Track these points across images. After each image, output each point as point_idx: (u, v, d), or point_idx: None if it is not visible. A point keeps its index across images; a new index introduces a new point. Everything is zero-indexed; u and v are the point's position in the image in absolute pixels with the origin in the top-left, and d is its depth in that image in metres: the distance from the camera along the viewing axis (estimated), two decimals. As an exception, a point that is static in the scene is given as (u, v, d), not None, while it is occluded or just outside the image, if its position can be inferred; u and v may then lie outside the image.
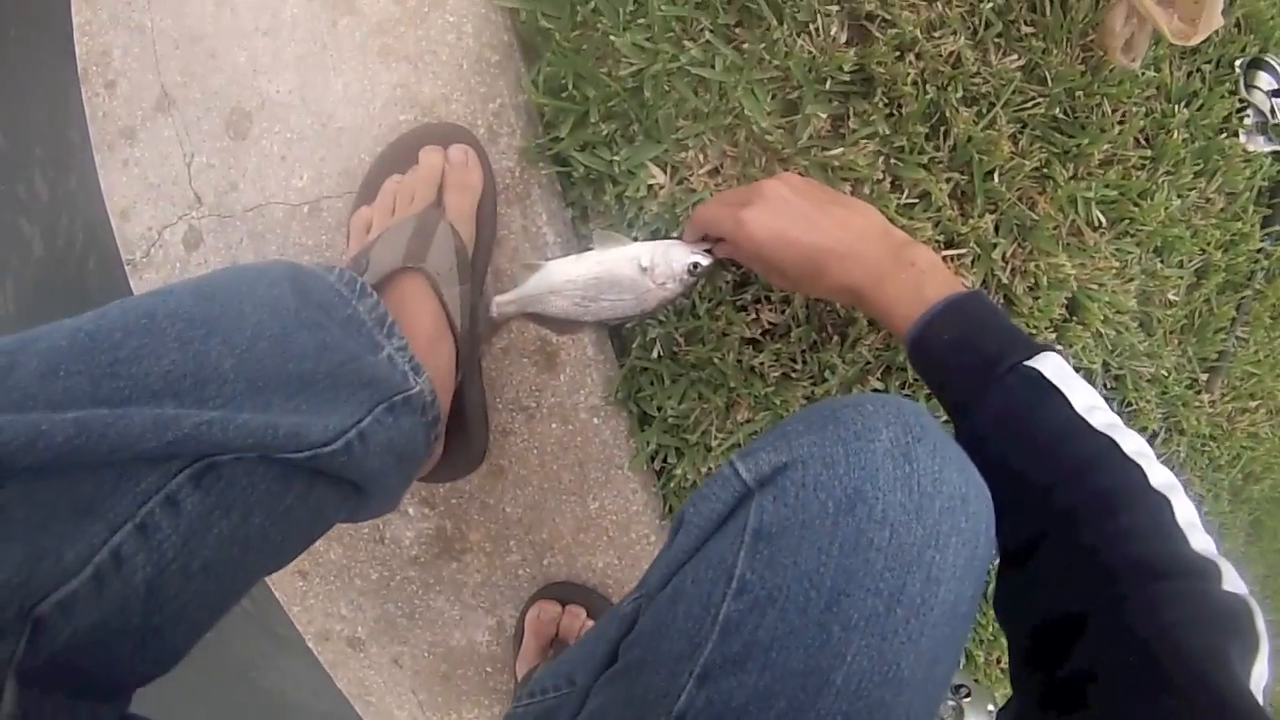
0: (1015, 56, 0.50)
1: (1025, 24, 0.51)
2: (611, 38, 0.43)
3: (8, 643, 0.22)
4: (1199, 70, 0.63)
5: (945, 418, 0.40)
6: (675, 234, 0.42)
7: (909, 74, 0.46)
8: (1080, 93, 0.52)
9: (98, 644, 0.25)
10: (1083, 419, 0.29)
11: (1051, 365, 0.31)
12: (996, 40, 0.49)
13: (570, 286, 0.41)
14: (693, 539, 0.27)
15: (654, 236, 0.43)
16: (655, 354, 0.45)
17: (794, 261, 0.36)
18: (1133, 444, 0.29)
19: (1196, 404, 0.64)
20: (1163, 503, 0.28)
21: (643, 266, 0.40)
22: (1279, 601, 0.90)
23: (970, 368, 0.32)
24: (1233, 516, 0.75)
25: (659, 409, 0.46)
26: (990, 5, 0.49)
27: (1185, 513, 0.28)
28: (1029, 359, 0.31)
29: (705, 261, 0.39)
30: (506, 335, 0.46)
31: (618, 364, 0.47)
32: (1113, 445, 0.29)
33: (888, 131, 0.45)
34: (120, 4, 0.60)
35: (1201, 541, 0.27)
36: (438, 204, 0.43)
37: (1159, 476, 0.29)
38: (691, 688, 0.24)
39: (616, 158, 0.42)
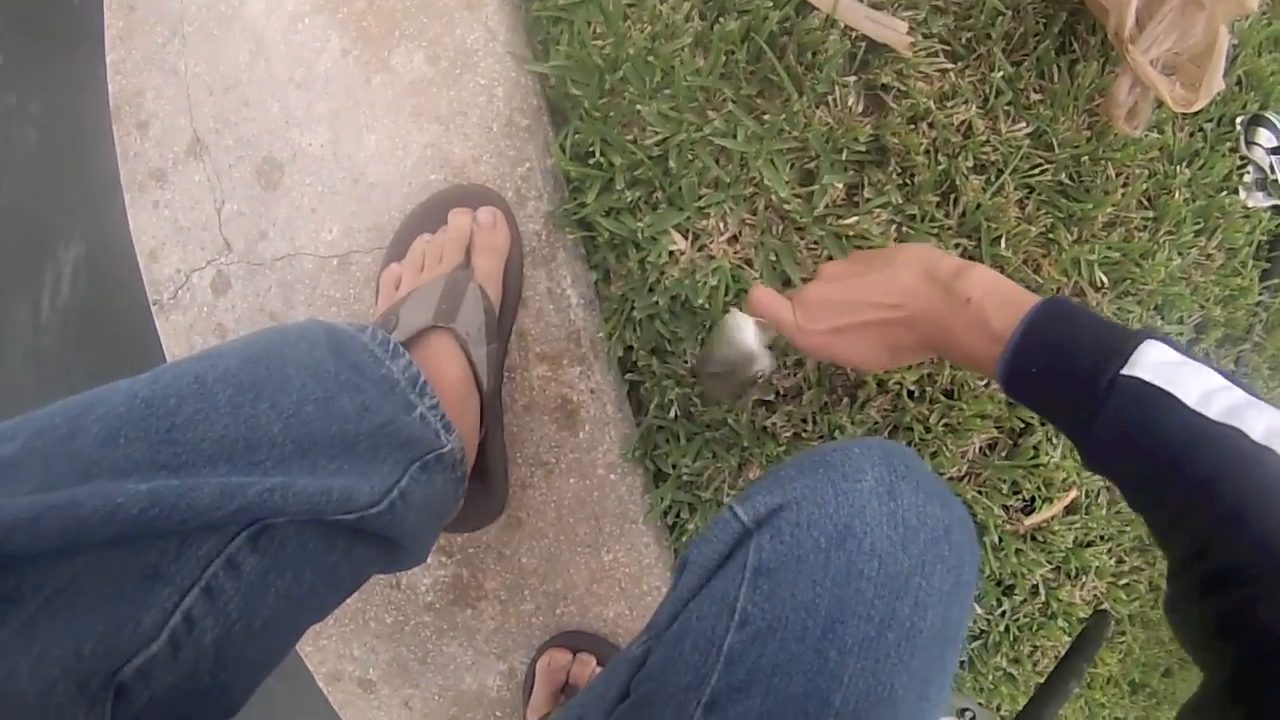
0: (1024, 124, 0.52)
1: (1034, 91, 0.53)
2: (638, 106, 0.44)
3: (96, 711, 0.23)
4: (1201, 129, 0.65)
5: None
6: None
7: (922, 144, 0.48)
8: (1085, 158, 0.54)
9: (172, 705, 0.26)
10: (1200, 415, 0.27)
11: (1151, 362, 0.28)
12: (1006, 108, 0.52)
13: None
14: (696, 578, 0.29)
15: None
16: (672, 414, 0.46)
17: (856, 350, 0.36)
18: (1261, 425, 0.26)
19: (1196, 455, 0.65)
20: None
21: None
22: None
23: (1068, 399, 0.30)
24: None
25: (674, 466, 0.47)
26: (1001, 74, 0.51)
27: None
28: (1124, 366, 0.28)
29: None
30: (528, 392, 0.48)
31: (635, 422, 0.48)
32: (1240, 436, 0.26)
33: (900, 200, 0.47)
34: (155, 46, 0.62)
35: None
36: (466, 265, 0.45)
37: None
38: (700, 716, 0.26)
39: (640, 224, 0.44)
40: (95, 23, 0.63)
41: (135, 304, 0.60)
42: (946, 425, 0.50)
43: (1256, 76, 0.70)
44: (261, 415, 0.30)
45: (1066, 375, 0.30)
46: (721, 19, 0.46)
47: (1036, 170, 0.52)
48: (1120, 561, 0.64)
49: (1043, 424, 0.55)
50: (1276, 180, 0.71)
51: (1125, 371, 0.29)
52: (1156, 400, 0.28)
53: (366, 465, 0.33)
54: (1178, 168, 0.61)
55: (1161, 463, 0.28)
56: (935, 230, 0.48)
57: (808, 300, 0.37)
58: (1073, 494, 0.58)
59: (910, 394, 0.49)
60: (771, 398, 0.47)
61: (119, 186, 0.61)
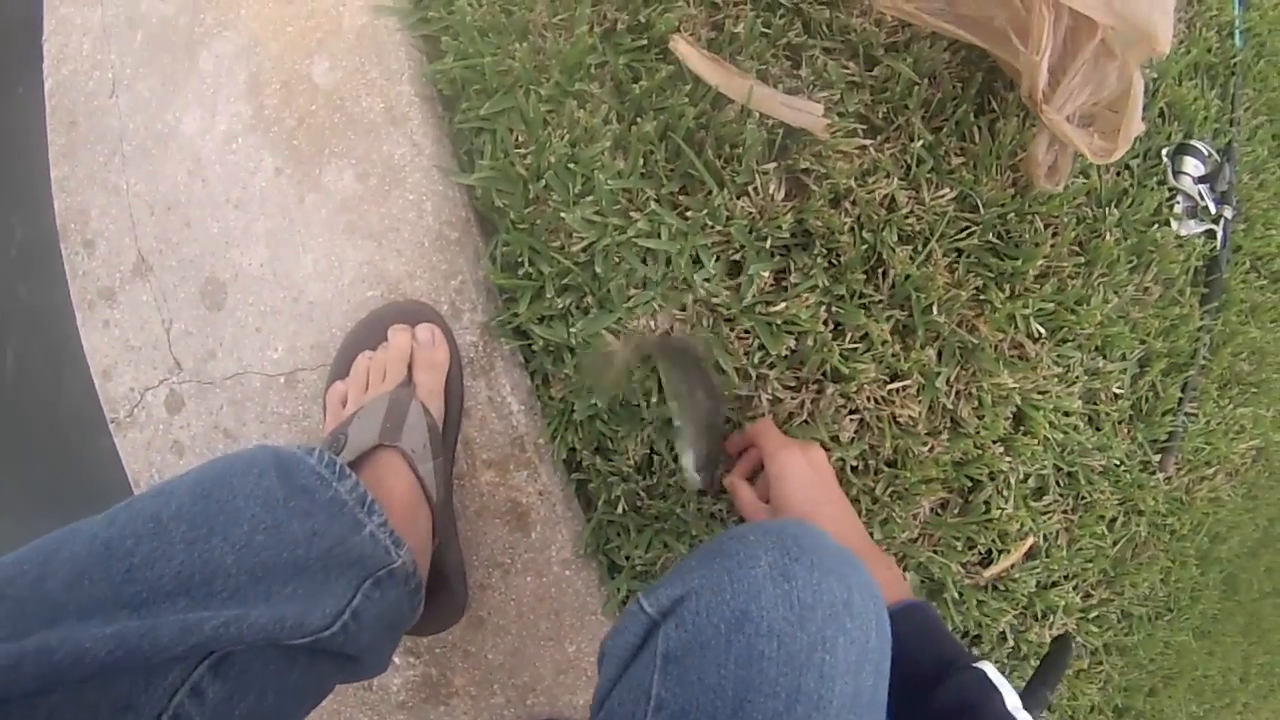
0: (947, 190, 0.53)
1: (955, 155, 0.55)
2: (562, 214, 0.46)
3: None
4: (1127, 167, 0.66)
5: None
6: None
7: (845, 223, 0.49)
8: (1012, 215, 0.56)
9: None
10: (1013, 716, 0.36)
11: (991, 670, 0.38)
12: (929, 176, 0.53)
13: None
14: (615, 668, 0.31)
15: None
16: (620, 509, 0.47)
17: (804, 509, 0.43)
18: None
19: (1152, 484, 0.66)
20: None
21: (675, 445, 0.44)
22: (1261, 647, 0.92)
23: (933, 661, 0.38)
24: (1204, 579, 0.77)
25: (627, 558, 0.48)
26: (921, 143, 0.53)
27: None
28: (975, 662, 0.38)
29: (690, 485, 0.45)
30: (478, 498, 0.48)
31: (585, 519, 0.49)
32: None
33: (828, 282, 0.48)
34: (97, 163, 0.63)
35: None
36: (408, 382, 0.46)
37: None
38: None
39: (573, 329, 0.45)
40: (39, 136, 0.64)
41: (94, 421, 0.61)
42: (894, 493, 0.51)
43: (1179, 106, 0.72)
44: (215, 548, 0.32)
45: (937, 644, 0.39)
46: (638, 120, 0.48)
47: (964, 234, 0.53)
48: (1087, 596, 0.65)
49: (991, 478, 0.56)
50: (1207, 206, 0.73)
51: (975, 665, 0.37)
52: (992, 691, 0.37)
53: (320, 587, 0.34)
54: (1106, 209, 0.63)
55: None
56: (865, 304, 0.50)
57: (782, 464, 0.43)
58: (1030, 541, 0.59)
59: (854, 468, 0.50)
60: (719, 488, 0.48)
61: (70, 303, 0.62)
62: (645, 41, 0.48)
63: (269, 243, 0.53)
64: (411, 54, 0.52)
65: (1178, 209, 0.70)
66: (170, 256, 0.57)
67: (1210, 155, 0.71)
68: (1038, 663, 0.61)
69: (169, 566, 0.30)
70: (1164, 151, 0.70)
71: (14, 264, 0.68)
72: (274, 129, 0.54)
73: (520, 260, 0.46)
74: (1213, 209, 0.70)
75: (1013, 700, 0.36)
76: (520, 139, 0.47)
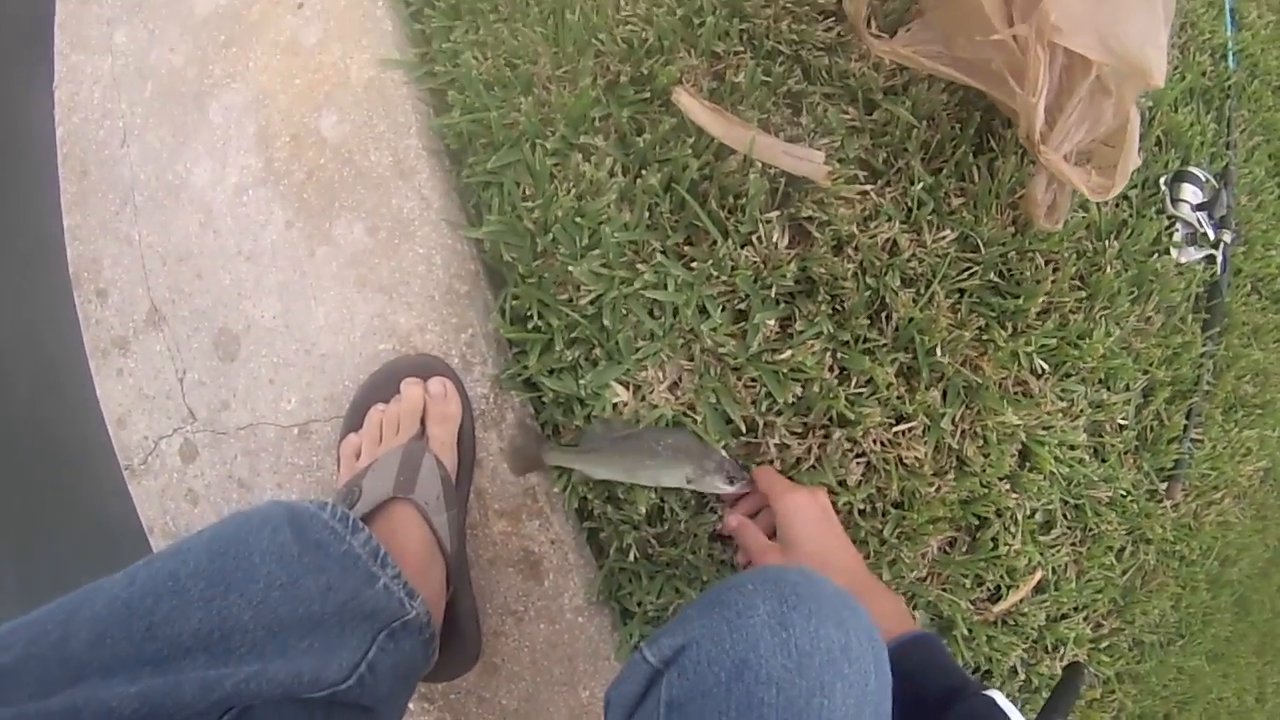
0: (948, 231, 0.54)
1: (955, 195, 0.56)
2: (570, 267, 0.46)
3: None
4: (1126, 198, 0.67)
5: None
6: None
7: (848, 268, 0.50)
8: (1013, 253, 0.56)
9: None
10: None
11: (1000, 698, 0.38)
12: (930, 218, 0.54)
13: (615, 472, 0.46)
14: (620, 716, 0.32)
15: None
16: (631, 556, 0.48)
17: (809, 531, 0.44)
18: None
19: (1160, 513, 0.67)
20: None
21: (688, 479, 0.46)
22: (1277, 667, 0.92)
23: (944, 685, 0.39)
24: (1215, 603, 0.77)
25: (639, 604, 0.49)
26: (921, 185, 0.54)
27: None
28: (984, 690, 0.39)
29: (733, 489, 0.46)
30: (491, 547, 0.49)
31: (597, 566, 0.50)
32: None
33: (832, 328, 0.49)
34: (109, 213, 0.64)
35: None
36: (421, 435, 0.47)
37: None
38: None
39: (582, 381, 0.46)
40: (50, 187, 0.66)
41: (109, 469, 0.62)
42: (901, 534, 0.51)
43: (1175, 133, 0.73)
44: (232, 605, 0.33)
45: (945, 673, 0.39)
46: (643, 172, 0.49)
47: (965, 274, 0.54)
48: (1098, 626, 0.66)
49: (998, 515, 0.56)
50: (1206, 232, 0.74)
51: (985, 692, 0.38)
52: (1000, 717, 0.36)
53: (335, 640, 0.36)
54: (1106, 242, 0.63)
55: None
56: (869, 349, 0.50)
57: (788, 506, 0.45)
58: (1038, 575, 0.59)
59: (861, 511, 0.51)
60: (726, 534, 0.48)
61: (84, 351, 0.63)
62: (648, 94, 0.49)
63: (281, 295, 0.54)
64: (418, 107, 0.54)
65: (1177, 236, 0.70)
66: (183, 307, 0.58)
67: (1208, 181, 0.71)
68: (1049, 693, 0.62)
69: (188, 624, 0.31)
70: (1162, 180, 0.71)
71: (28, 310, 0.69)
72: (284, 182, 0.56)
73: (529, 313, 0.47)
74: (1211, 235, 0.71)
75: None
76: (527, 192, 0.48)
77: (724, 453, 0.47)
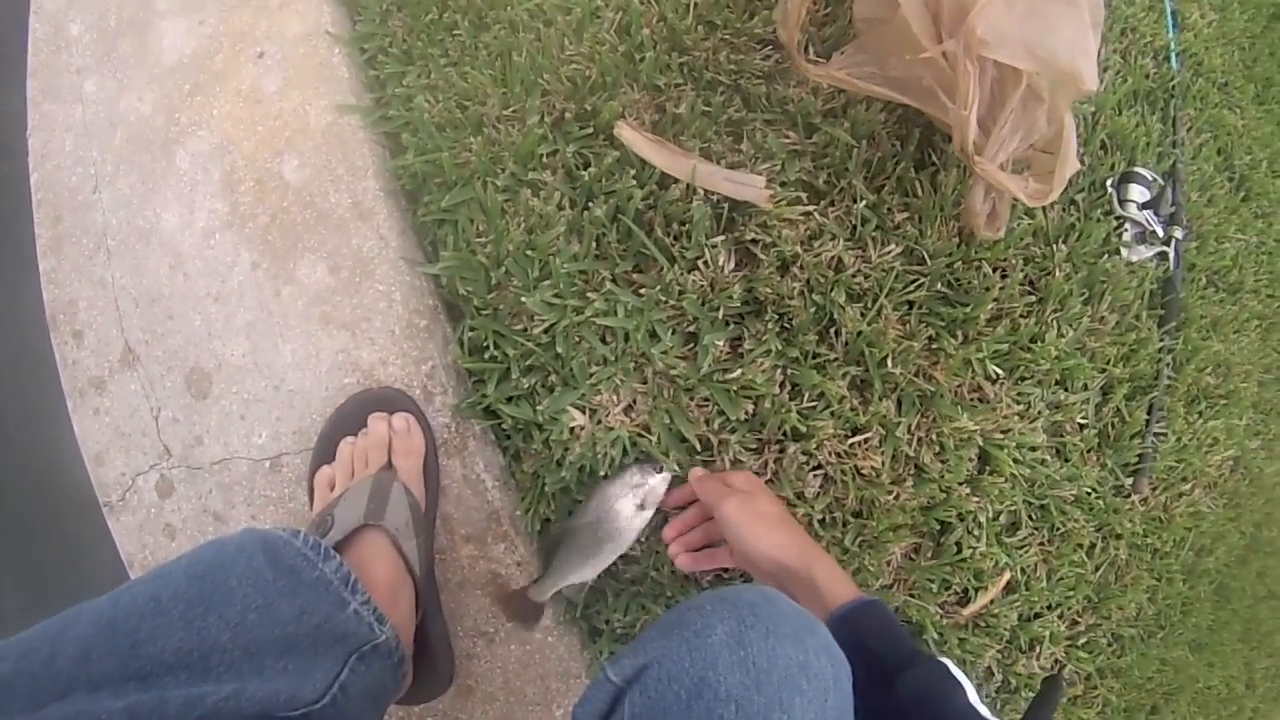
0: (893, 246, 0.56)
1: (899, 211, 0.58)
2: (523, 298, 0.49)
3: None
4: (1073, 202, 0.70)
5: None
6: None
7: (794, 287, 0.52)
8: (959, 263, 0.59)
9: None
10: (975, 708, 0.38)
11: (952, 665, 0.40)
12: (874, 235, 0.56)
13: (588, 568, 0.48)
14: None
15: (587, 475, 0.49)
16: (597, 576, 0.49)
17: (748, 529, 0.45)
18: None
19: (1127, 507, 0.68)
20: None
21: (638, 505, 0.47)
22: (1263, 651, 0.93)
23: (896, 652, 0.40)
24: (1193, 593, 0.79)
25: (606, 622, 0.50)
26: (864, 203, 0.56)
27: None
28: (937, 657, 0.40)
29: (662, 474, 0.48)
30: (459, 571, 0.51)
31: (563, 587, 0.51)
32: None
33: (781, 346, 0.51)
34: (83, 257, 0.67)
35: None
36: (389, 466, 0.49)
37: None
38: None
39: (540, 407, 0.48)
40: (26, 231, 0.68)
41: (88, 505, 0.64)
42: (863, 543, 0.53)
43: (1120, 135, 0.76)
44: (211, 626, 0.35)
45: (898, 640, 0.41)
46: (590, 204, 0.51)
47: (912, 286, 0.56)
48: (1073, 624, 0.67)
49: (960, 519, 0.58)
50: (1155, 231, 0.76)
51: (938, 659, 0.39)
52: (955, 684, 0.38)
53: (308, 662, 0.38)
54: (1054, 246, 0.66)
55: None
56: (819, 365, 0.52)
57: (732, 514, 0.46)
58: (1006, 576, 0.61)
59: (821, 521, 0.52)
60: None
61: (61, 391, 0.65)
62: (592, 129, 0.52)
63: (249, 334, 0.56)
64: (375, 150, 0.56)
65: (1126, 236, 0.73)
66: (156, 347, 0.60)
67: (1154, 180, 0.74)
68: (1030, 695, 0.63)
69: (170, 643, 0.34)
70: (1108, 182, 0.73)
71: (6, 351, 0.71)
72: (249, 225, 0.58)
73: (486, 344, 0.49)
74: (1161, 232, 0.73)
75: (973, 695, 0.38)
76: (480, 229, 0.51)
77: (633, 465, 0.48)
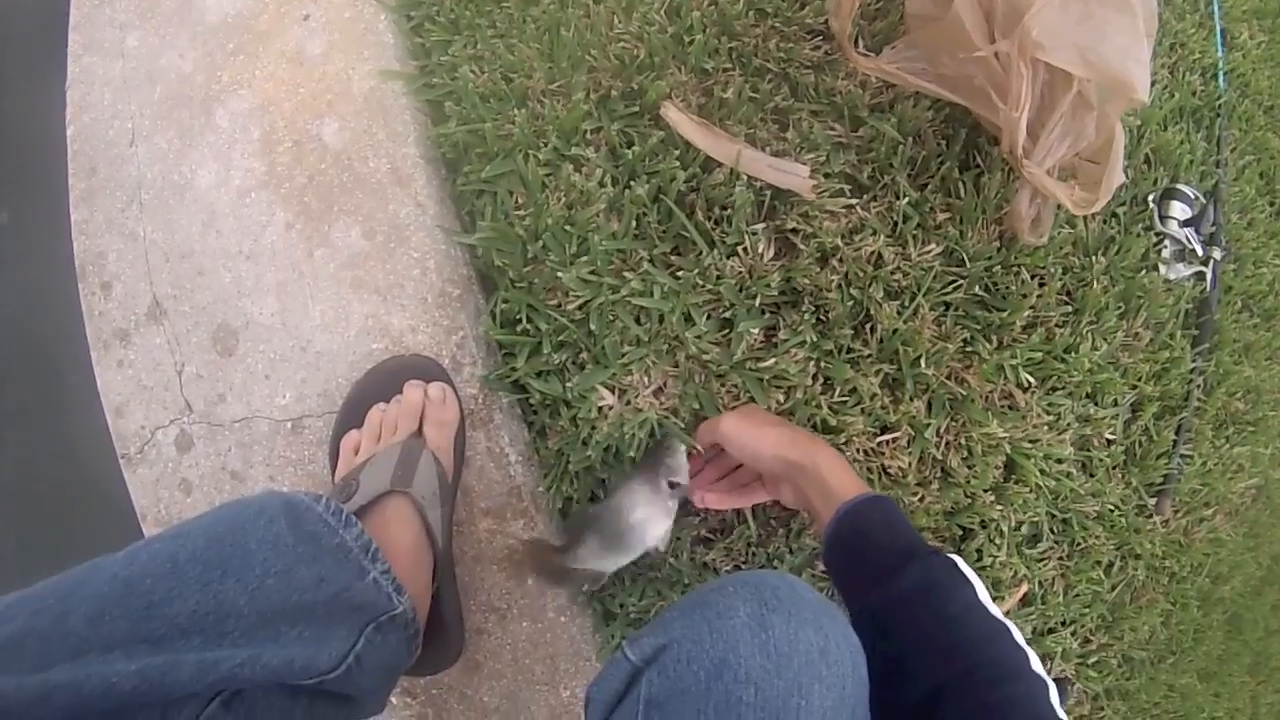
0: (933, 245, 0.56)
1: (941, 211, 0.58)
2: (559, 274, 0.48)
3: None
4: (1114, 215, 0.69)
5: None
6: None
7: (833, 280, 0.52)
8: (998, 267, 0.58)
9: None
10: (984, 605, 0.37)
11: (963, 563, 0.39)
12: (915, 233, 0.56)
13: (616, 554, 0.47)
14: (600, 713, 0.33)
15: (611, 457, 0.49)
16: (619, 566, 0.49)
17: (750, 434, 0.45)
18: (1019, 635, 0.37)
19: (1149, 528, 0.68)
20: (1041, 684, 0.35)
21: (671, 482, 0.46)
22: (1271, 686, 0.92)
23: (901, 545, 0.39)
24: (1206, 620, 0.78)
25: (621, 606, 0.50)
26: (906, 200, 0.56)
27: (1055, 697, 0.35)
28: (946, 552, 0.39)
29: (688, 458, 0.47)
30: (476, 544, 0.51)
31: (581, 567, 0.51)
32: (1007, 630, 0.37)
33: (816, 338, 0.50)
34: (115, 210, 0.67)
35: None
36: (419, 434, 0.49)
37: (1037, 665, 0.36)
38: None
39: (569, 384, 0.48)
40: (59, 182, 0.69)
41: (105, 456, 0.64)
42: (884, 542, 0.53)
43: (1164, 151, 0.75)
44: (228, 590, 0.35)
45: (904, 532, 0.40)
46: (632, 183, 0.51)
47: (950, 287, 0.56)
48: (1086, 642, 0.66)
49: (983, 526, 0.57)
50: (1195, 249, 0.75)
51: (946, 554, 0.38)
52: (963, 580, 0.38)
53: (325, 630, 0.37)
54: (1093, 258, 0.65)
55: (950, 614, 0.37)
56: (853, 360, 0.52)
57: (730, 427, 0.46)
58: (1024, 588, 0.60)
59: (844, 518, 0.52)
60: (708, 534, 0.50)
61: (86, 340, 0.65)
62: (638, 108, 0.52)
63: (279, 294, 0.56)
64: (416, 118, 0.56)
65: (1165, 253, 0.72)
66: (184, 302, 0.61)
67: (1196, 198, 0.73)
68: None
69: (185, 605, 0.33)
70: (1150, 197, 0.72)
71: (33, 298, 0.72)
72: (285, 185, 0.58)
73: (519, 317, 0.49)
74: (1200, 251, 0.72)
75: (985, 594, 0.37)
76: (519, 201, 0.51)
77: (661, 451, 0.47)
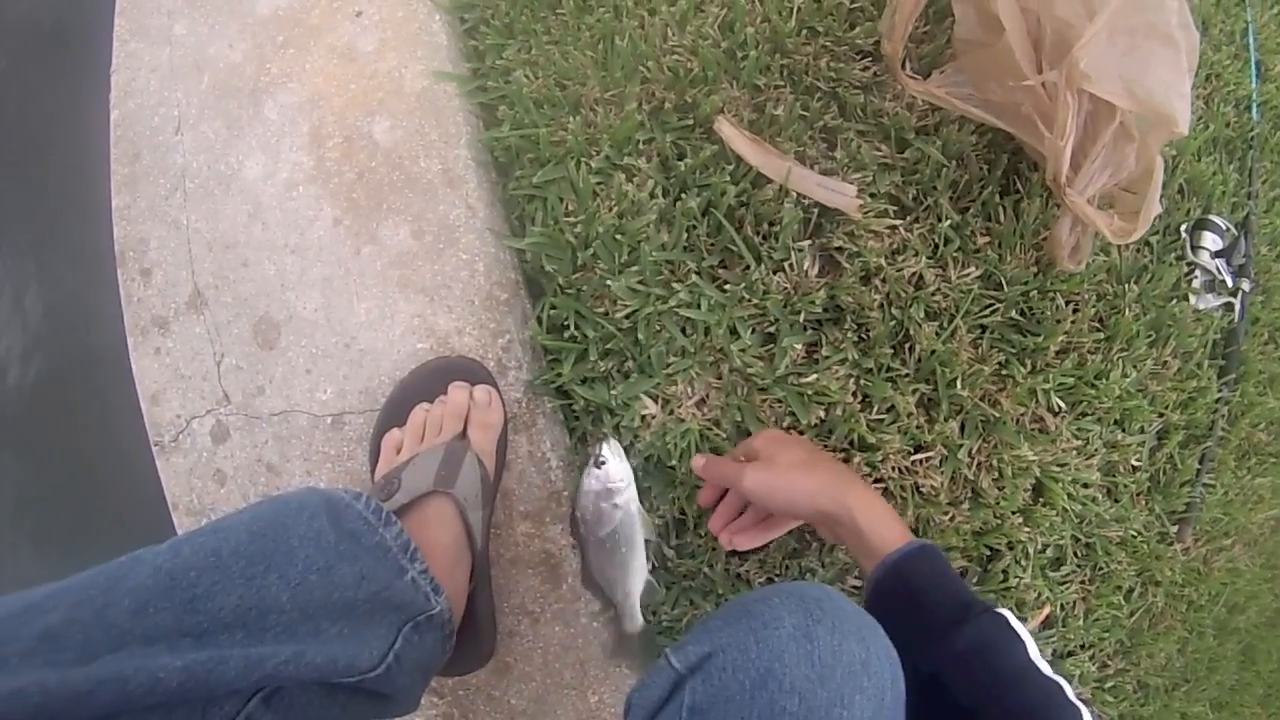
0: (973, 268, 0.57)
1: (981, 234, 0.59)
2: (608, 281, 0.50)
3: None
4: (1147, 244, 0.70)
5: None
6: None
7: (875, 299, 0.53)
8: (1034, 292, 0.60)
9: None
10: (1036, 664, 0.38)
11: (1011, 616, 0.39)
12: (955, 255, 0.57)
13: (631, 569, 0.48)
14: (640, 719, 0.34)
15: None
16: (650, 566, 0.50)
17: (779, 493, 0.45)
18: (1070, 691, 0.38)
19: (1169, 555, 0.69)
20: None
21: (598, 462, 0.46)
22: (1280, 719, 0.93)
23: (951, 603, 0.40)
24: (1221, 650, 0.79)
25: (654, 614, 0.51)
26: (948, 223, 0.57)
27: None
28: (995, 608, 0.39)
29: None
30: (513, 547, 0.52)
31: (617, 573, 0.52)
32: (1060, 689, 0.38)
33: (857, 355, 0.52)
34: (158, 197, 0.68)
35: None
36: (462, 436, 0.50)
37: (1089, 718, 0.37)
38: None
39: (614, 392, 0.49)
40: (101, 167, 0.70)
41: (138, 445, 0.65)
42: (914, 560, 0.54)
43: (1197, 182, 0.76)
44: (271, 585, 0.35)
45: (954, 588, 0.41)
46: (683, 195, 0.52)
47: (988, 310, 0.57)
48: (1103, 666, 0.67)
49: (1010, 548, 0.58)
50: (1224, 280, 0.76)
51: (997, 610, 0.39)
52: (1014, 638, 0.38)
53: (364, 628, 0.38)
54: (1126, 286, 0.66)
55: (1004, 679, 0.37)
56: (892, 378, 0.53)
57: (752, 485, 0.45)
58: (1047, 610, 0.61)
59: (877, 534, 0.53)
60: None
61: (123, 327, 0.66)
62: (691, 121, 0.53)
63: (324, 289, 0.57)
64: (469, 119, 0.57)
65: (1196, 283, 0.73)
66: (226, 293, 0.62)
67: (1228, 230, 0.75)
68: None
69: (228, 600, 0.34)
70: (1183, 227, 0.74)
71: (70, 283, 0.73)
72: (334, 181, 0.59)
73: (566, 323, 0.50)
74: (1230, 282, 0.74)
75: (1035, 650, 0.38)
76: (570, 208, 0.52)
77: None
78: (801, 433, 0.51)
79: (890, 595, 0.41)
